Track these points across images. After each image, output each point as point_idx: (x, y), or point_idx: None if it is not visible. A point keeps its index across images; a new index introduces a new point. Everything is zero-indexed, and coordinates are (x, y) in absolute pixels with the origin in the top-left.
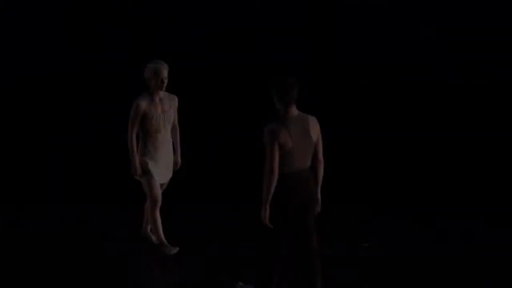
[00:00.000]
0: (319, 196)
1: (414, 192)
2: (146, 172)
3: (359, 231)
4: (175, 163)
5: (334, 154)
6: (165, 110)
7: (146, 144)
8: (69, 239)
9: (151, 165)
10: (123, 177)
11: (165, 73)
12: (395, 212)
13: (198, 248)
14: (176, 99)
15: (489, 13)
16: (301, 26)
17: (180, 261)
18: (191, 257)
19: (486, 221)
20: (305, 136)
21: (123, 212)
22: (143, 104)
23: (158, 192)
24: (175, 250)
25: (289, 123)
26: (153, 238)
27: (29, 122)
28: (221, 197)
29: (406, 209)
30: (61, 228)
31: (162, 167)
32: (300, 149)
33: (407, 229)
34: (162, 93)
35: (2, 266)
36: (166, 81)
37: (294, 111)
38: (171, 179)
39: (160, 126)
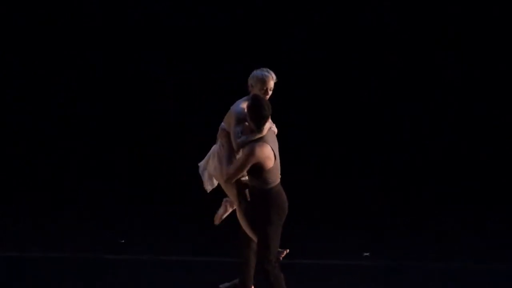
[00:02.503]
0: None
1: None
2: None
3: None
4: None
5: None
6: None
7: None
8: None
9: None
10: None
11: (271, 83)
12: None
13: None
14: None
15: None
16: None
17: None
18: None
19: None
20: (277, 145)
21: None
22: None
23: None
24: None
25: (269, 139)
26: None
27: None
28: None
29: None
30: None
31: None
32: (278, 159)
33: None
34: None
35: None
36: (270, 93)
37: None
38: None
39: None
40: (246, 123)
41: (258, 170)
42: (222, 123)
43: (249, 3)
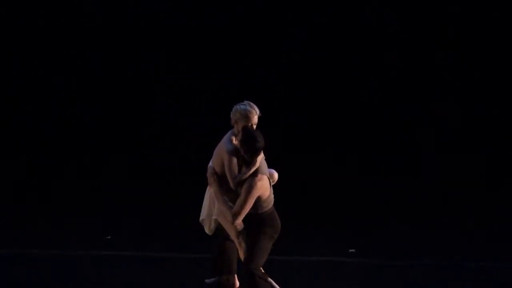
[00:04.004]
0: None
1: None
2: None
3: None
4: None
5: None
6: None
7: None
8: None
9: None
10: None
11: (256, 118)
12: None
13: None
14: None
15: None
16: None
17: None
18: None
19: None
20: (267, 169)
21: None
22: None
23: None
24: None
25: (263, 169)
26: None
27: None
28: None
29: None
30: None
31: None
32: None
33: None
34: None
35: None
36: (255, 127)
37: None
38: None
39: None
40: (236, 161)
41: (255, 200)
42: (210, 163)
43: (249, 3)
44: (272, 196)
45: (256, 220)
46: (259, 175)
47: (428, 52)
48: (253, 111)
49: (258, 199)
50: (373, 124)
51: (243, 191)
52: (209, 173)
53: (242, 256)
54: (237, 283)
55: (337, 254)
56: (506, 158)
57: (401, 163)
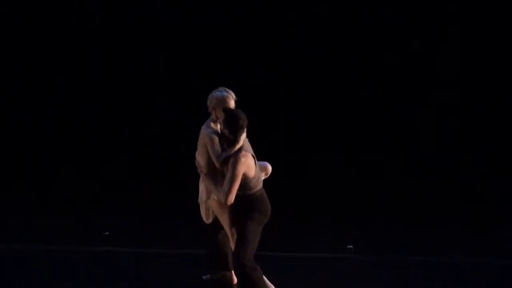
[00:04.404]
0: None
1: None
2: None
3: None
4: None
5: None
6: None
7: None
8: None
9: None
10: None
11: (232, 103)
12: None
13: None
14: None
15: None
16: None
17: None
18: None
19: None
20: (252, 152)
21: None
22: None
23: None
24: None
25: (246, 147)
26: None
27: None
28: None
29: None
30: None
31: None
32: (258, 166)
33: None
34: None
35: None
36: None
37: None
38: None
39: None
40: (218, 141)
41: (242, 179)
42: (197, 153)
43: (249, 3)
44: (260, 178)
45: (245, 204)
46: (243, 152)
47: (428, 52)
48: (230, 96)
49: (245, 179)
50: (373, 124)
51: (229, 168)
52: (197, 163)
53: (233, 247)
54: (235, 279)
55: (335, 251)
56: (506, 158)
57: (401, 163)
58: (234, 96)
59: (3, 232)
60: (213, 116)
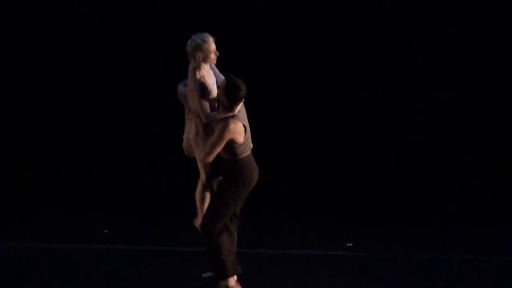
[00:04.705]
0: None
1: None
2: None
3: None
4: None
5: None
6: None
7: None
8: None
9: None
10: None
11: (213, 45)
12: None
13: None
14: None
15: None
16: None
17: None
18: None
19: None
20: (246, 120)
21: None
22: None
23: None
24: None
25: (240, 115)
26: None
27: None
28: None
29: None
30: None
31: None
32: (249, 134)
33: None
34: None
35: None
36: (217, 54)
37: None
38: None
39: None
40: (208, 93)
41: (229, 144)
42: (181, 87)
43: (249, 3)
44: (249, 145)
45: (230, 168)
46: (235, 120)
47: (428, 52)
48: (208, 39)
49: (232, 144)
50: (373, 124)
51: (215, 131)
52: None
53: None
54: (235, 277)
55: (335, 249)
56: (506, 158)
57: (401, 163)
58: (212, 38)
59: (3, 231)
60: (195, 63)
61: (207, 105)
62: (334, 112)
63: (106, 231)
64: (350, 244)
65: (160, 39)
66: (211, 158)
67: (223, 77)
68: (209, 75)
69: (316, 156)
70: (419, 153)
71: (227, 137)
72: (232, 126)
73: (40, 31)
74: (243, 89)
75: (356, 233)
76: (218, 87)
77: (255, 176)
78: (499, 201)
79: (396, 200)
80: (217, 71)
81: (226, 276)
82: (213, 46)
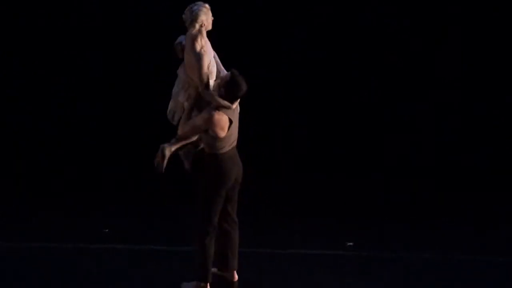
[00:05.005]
0: None
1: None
2: None
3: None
4: None
5: None
6: None
7: None
8: None
9: None
10: None
11: (210, 14)
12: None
13: None
14: None
15: None
16: None
17: None
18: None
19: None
20: (236, 116)
21: None
22: None
23: None
24: None
25: (231, 112)
26: None
27: None
28: None
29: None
30: None
31: None
32: (235, 129)
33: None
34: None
35: None
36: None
37: None
38: None
39: None
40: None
41: (209, 136)
42: (182, 39)
43: (249, 3)
44: (230, 141)
45: (210, 162)
46: (221, 113)
47: (428, 52)
48: (208, 7)
49: (212, 138)
50: (373, 124)
51: (199, 116)
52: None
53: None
54: (236, 277)
55: (334, 248)
56: (506, 158)
57: (401, 163)
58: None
59: (3, 231)
60: (194, 31)
61: (205, 76)
62: (334, 112)
63: (107, 230)
64: (351, 244)
65: (160, 39)
66: (182, 134)
67: (225, 71)
68: (208, 45)
69: (316, 156)
70: (419, 153)
71: (206, 126)
72: (216, 117)
73: (40, 31)
74: (244, 89)
75: (356, 233)
76: (220, 78)
77: (235, 173)
78: (499, 201)
79: (396, 200)
80: (219, 62)
81: (202, 280)
82: (210, 14)
